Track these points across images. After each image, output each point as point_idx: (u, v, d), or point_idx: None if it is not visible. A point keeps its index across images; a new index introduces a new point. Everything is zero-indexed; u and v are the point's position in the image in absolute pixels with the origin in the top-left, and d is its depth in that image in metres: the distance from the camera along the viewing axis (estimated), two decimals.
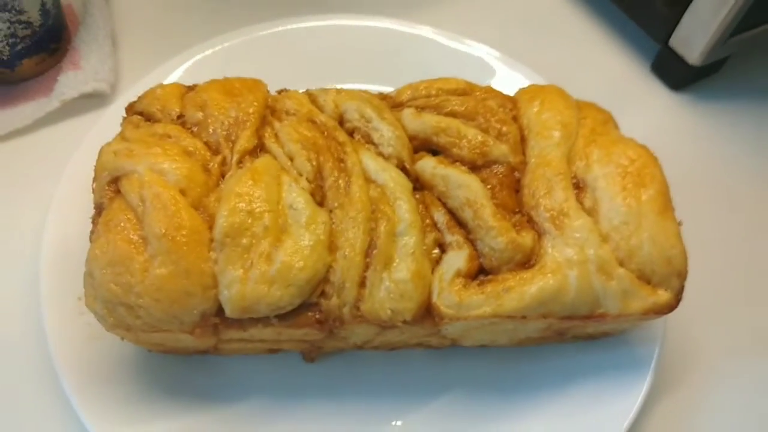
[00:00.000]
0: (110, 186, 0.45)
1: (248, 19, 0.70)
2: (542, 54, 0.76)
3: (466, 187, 0.48)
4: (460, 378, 0.54)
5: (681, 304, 0.48)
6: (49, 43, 0.65)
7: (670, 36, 0.72)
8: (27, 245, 0.57)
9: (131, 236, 0.43)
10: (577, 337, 0.53)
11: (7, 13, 0.59)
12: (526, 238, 0.46)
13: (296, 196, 0.46)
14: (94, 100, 0.66)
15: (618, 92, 0.74)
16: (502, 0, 0.81)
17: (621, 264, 0.46)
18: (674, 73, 0.74)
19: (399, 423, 0.51)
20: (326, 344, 0.50)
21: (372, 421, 0.51)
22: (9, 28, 0.61)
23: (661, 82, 0.76)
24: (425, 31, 0.71)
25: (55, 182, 0.57)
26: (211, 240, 0.44)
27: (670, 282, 0.47)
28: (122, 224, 0.43)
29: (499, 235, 0.46)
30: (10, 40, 0.62)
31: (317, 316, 0.45)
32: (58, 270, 0.52)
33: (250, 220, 0.44)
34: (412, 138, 0.51)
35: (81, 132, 0.61)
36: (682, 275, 0.47)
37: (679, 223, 0.48)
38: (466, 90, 0.54)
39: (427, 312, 0.46)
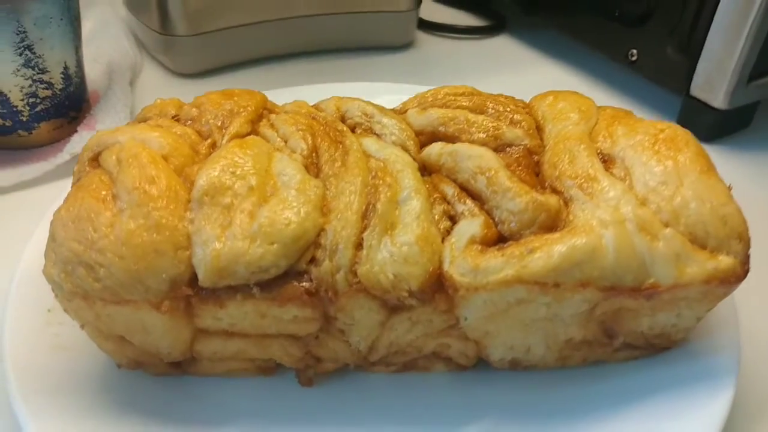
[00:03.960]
0: (91, 163, 0.42)
1: None
2: None
3: (477, 157, 0.43)
4: (490, 405, 0.43)
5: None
6: (69, 110, 0.67)
7: (689, 85, 0.70)
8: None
9: (102, 193, 0.39)
10: (630, 345, 0.44)
11: (30, 69, 0.62)
12: (550, 199, 0.40)
13: (287, 165, 0.41)
14: None
15: None
16: (521, 75, 0.83)
17: (667, 226, 0.39)
18: (702, 122, 0.71)
19: None
20: (324, 348, 0.42)
21: None
22: (31, 86, 0.63)
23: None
24: None
25: None
26: (189, 201, 0.39)
27: (730, 245, 0.39)
28: (94, 185, 0.39)
29: (517, 196, 0.40)
30: (30, 100, 0.63)
31: (306, 286, 0.38)
32: (32, 288, 0.47)
33: (233, 180, 0.39)
34: (418, 133, 0.48)
35: None
36: (744, 238, 0.40)
37: (729, 187, 0.42)
38: (474, 92, 0.51)
39: (439, 285, 0.39)
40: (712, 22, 0.66)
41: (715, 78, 0.68)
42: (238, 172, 0.40)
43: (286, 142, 0.44)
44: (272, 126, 0.46)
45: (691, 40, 0.69)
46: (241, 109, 0.47)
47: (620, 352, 0.44)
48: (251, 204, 0.39)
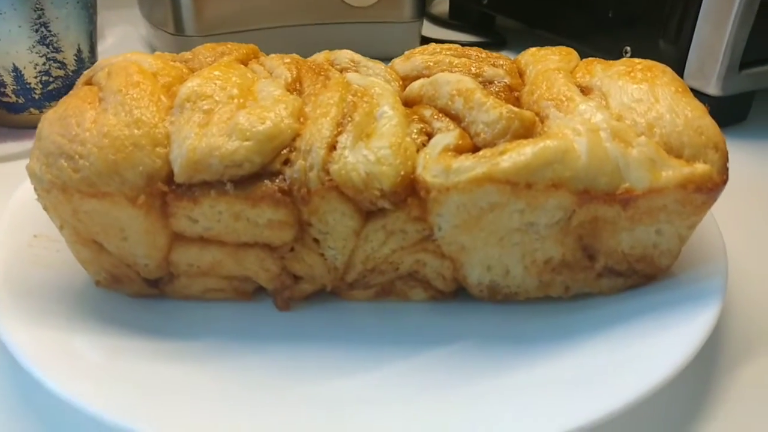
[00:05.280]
0: (85, 84, 0.44)
1: None
2: None
3: (455, 81, 0.44)
4: (469, 331, 0.42)
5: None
6: None
7: (683, 74, 0.71)
8: None
9: (89, 97, 0.40)
10: (613, 271, 0.43)
11: (45, 47, 0.65)
12: (525, 111, 0.41)
13: (268, 84, 0.43)
14: None
15: None
16: None
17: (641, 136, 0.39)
18: None
19: (386, 371, 0.39)
20: (300, 263, 0.42)
21: (352, 369, 0.39)
22: (44, 64, 0.66)
23: None
24: None
25: None
26: (171, 108, 0.40)
27: (706, 154, 0.39)
28: (83, 93, 0.41)
29: (492, 108, 0.41)
30: (44, 78, 0.67)
31: (280, 185, 0.38)
32: (22, 217, 0.48)
33: (214, 89, 0.41)
34: (403, 78, 0.49)
35: None
36: (720, 149, 0.39)
37: (706, 107, 0.42)
38: (460, 48, 0.53)
39: (412, 190, 0.39)
40: (699, 11, 0.68)
41: (706, 65, 0.69)
42: (219, 84, 0.41)
43: (271, 73, 0.46)
44: (261, 64, 0.48)
45: (680, 30, 0.70)
46: (234, 51, 0.49)
47: (603, 279, 0.43)
48: (230, 109, 0.40)
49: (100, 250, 0.41)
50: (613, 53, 0.79)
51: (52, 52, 0.66)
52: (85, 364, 0.37)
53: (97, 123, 0.38)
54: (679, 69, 0.71)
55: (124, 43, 0.96)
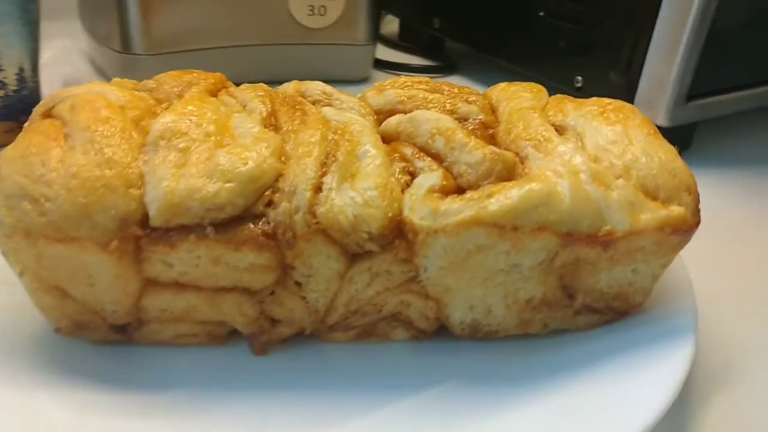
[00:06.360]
0: (43, 116, 0.41)
1: None
2: None
3: (434, 120, 0.44)
4: (450, 371, 0.42)
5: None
6: (20, 114, 0.66)
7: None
8: None
9: (53, 133, 0.37)
10: (590, 308, 0.43)
11: None
12: (507, 153, 0.41)
13: (244, 120, 0.41)
14: None
15: None
16: None
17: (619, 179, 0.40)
18: None
19: (370, 419, 0.38)
20: (280, 307, 0.40)
21: (334, 416, 0.38)
22: None
23: None
24: None
25: None
26: (143, 146, 0.38)
27: (680, 197, 0.40)
28: (44, 127, 0.38)
29: (474, 149, 0.41)
30: None
31: (263, 228, 0.37)
32: None
33: (190, 126, 0.39)
34: (377, 113, 0.49)
35: None
36: (692, 191, 0.41)
37: (677, 149, 0.43)
38: (431, 82, 0.53)
39: (399, 232, 0.38)
40: (649, 44, 0.71)
41: (655, 97, 0.72)
42: (195, 120, 0.39)
43: (244, 107, 0.45)
44: (231, 95, 0.46)
45: (631, 62, 0.73)
46: (201, 81, 0.47)
47: (580, 317, 0.44)
48: (208, 148, 0.38)
49: (63, 297, 0.38)
50: (564, 82, 0.81)
51: None
52: (52, 423, 0.34)
53: (64, 162, 0.36)
54: (629, 100, 0.74)
55: (63, 57, 0.91)
